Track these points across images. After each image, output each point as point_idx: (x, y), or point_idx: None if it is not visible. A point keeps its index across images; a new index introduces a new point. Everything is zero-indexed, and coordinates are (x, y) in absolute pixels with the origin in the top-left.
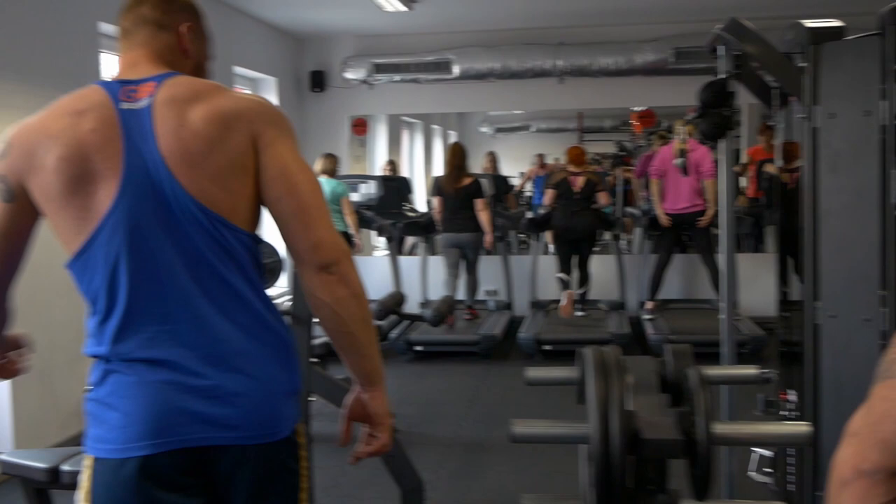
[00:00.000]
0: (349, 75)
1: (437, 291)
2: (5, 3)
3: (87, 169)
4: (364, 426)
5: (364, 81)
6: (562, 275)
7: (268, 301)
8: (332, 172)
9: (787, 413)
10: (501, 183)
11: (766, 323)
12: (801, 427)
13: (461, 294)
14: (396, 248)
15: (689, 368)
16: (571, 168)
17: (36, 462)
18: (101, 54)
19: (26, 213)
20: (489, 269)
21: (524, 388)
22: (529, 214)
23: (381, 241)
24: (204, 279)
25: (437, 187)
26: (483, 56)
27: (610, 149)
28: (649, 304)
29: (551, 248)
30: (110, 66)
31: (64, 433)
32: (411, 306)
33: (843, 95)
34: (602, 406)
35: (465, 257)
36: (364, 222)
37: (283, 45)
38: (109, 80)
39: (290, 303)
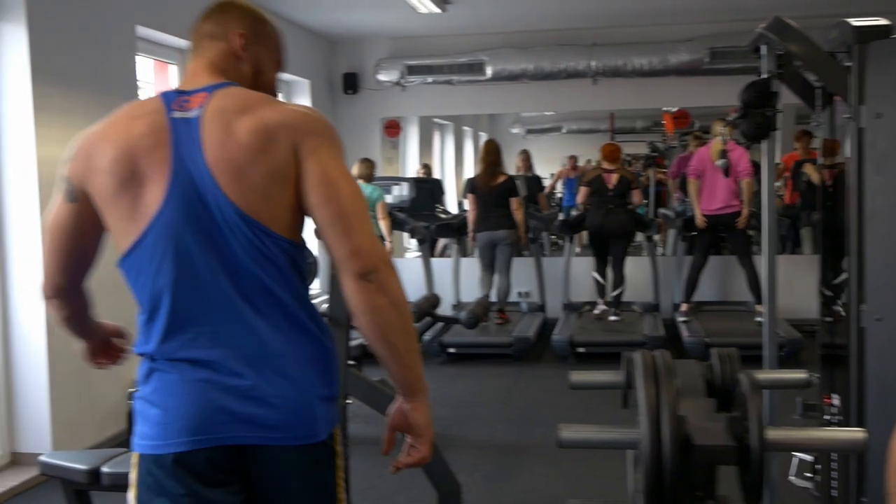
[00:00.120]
0: (382, 77)
1: (469, 293)
2: (45, 9)
3: (135, 172)
4: (406, 436)
5: (397, 83)
6: (597, 276)
7: (309, 307)
8: (368, 177)
9: (829, 417)
10: (534, 183)
11: (802, 325)
12: (857, 433)
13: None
14: (429, 249)
15: (740, 373)
16: (605, 165)
17: (76, 464)
18: (138, 58)
19: (89, 214)
20: (522, 271)
21: (557, 391)
22: (561, 216)
23: (412, 243)
24: (244, 284)
25: (471, 185)
26: (516, 57)
27: (642, 150)
28: (684, 307)
29: (578, 250)
30: (146, 69)
31: (101, 434)
32: (444, 308)
33: (890, 95)
34: (653, 411)
35: (498, 256)
36: (397, 224)
37: (317, 48)
38: (169, 90)
39: (327, 305)
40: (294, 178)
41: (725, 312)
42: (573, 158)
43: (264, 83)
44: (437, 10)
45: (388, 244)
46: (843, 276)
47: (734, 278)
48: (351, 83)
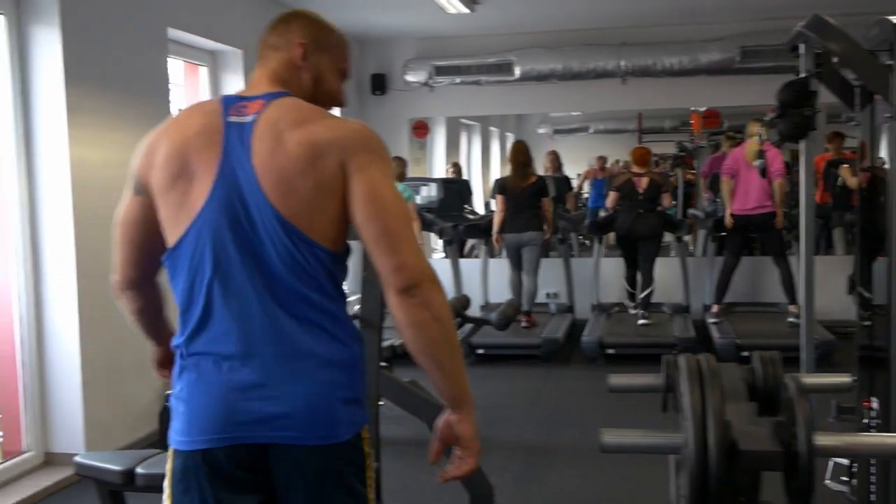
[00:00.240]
0: (410, 78)
1: (497, 294)
2: (78, 11)
3: (185, 168)
4: (454, 448)
5: (425, 84)
6: (627, 285)
7: (339, 312)
8: (401, 176)
9: (868, 421)
10: (563, 184)
11: (835, 327)
12: None
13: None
14: (457, 250)
15: (786, 377)
16: (635, 169)
17: (111, 464)
18: (170, 60)
19: (152, 207)
20: (550, 272)
21: (587, 392)
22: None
23: (439, 244)
24: (276, 286)
25: (500, 186)
26: (545, 57)
27: (670, 149)
28: (715, 308)
29: (605, 251)
30: (176, 71)
31: (133, 435)
32: (472, 309)
33: None
34: (699, 416)
35: (525, 257)
36: (425, 225)
37: None
38: (230, 94)
39: (358, 307)
40: (340, 191)
41: (757, 313)
42: (602, 159)
43: (325, 91)
44: (465, 10)
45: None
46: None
47: (765, 279)
48: (379, 84)
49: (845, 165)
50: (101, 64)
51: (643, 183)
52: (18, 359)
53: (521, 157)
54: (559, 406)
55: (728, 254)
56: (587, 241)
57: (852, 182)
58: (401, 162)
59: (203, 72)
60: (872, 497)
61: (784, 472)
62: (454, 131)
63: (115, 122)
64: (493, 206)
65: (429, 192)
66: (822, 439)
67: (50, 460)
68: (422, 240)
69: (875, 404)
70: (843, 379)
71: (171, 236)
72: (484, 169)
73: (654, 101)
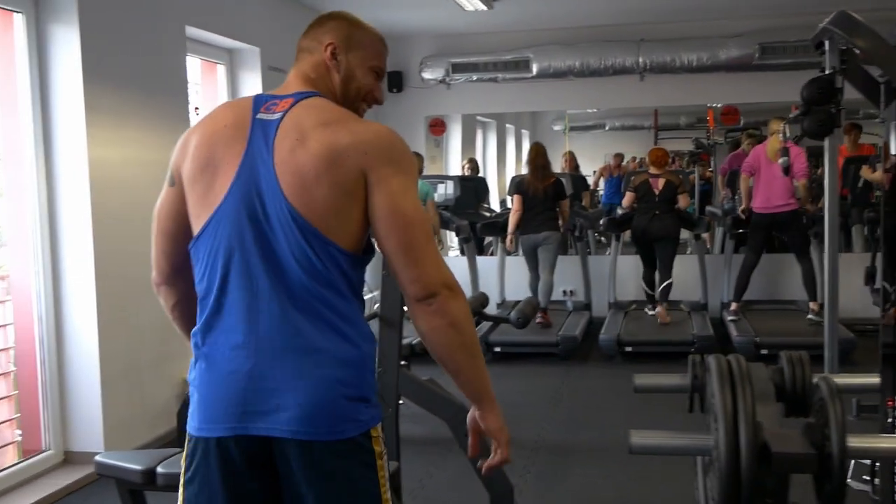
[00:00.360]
0: (427, 75)
1: (514, 292)
2: (97, 10)
3: (211, 160)
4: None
5: (442, 81)
6: (646, 287)
7: (351, 312)
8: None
9: (892, 420)
10: (580, 182)
11: (853, 324)
12: None
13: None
14: (474, 248)
15: (818, 378)
16: (652, 170)
17: (131, 464)
18: (188, 58)
19: (183, 198)
20: (567, 269)
21: (606, 390)
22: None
23: (454, 242)
24: (288, 281)
25: (519, 186)
26: (562, 54)
27: (686, 146)
28: (733, 306)
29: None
30: (193, 69)
31: (152, 433)
32: (489, 307)
33: None
34: (731, 418)
35: (541, 256)
36: (442, 223)
37: None
38: (264, 93)
39: (378, 305)
40: (361, 195)
41: (775, 311)
42: (619, 156)
43: (355, 89)
44: (483, 7)
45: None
46: None
47: (783, 276)
48: (395, 81)
49: (865, 166)
50: (119, 63)
51: (660, 184)
52: (38, 358)
53: (539, 159)
54: (578, 405)
55: (749, 251)
56: (603, 239)
57: (874, 177)
58: (417, 158)
59: (221, 70)
60: None
61: (815, 475)
62: (470, 129)
63: (133, 120)
64: (510, 203)
65: (445, 190)
66: (855, 441)
67: (69, 459)
68: (440, 236)
69: None
70: (874, 379)
71: (195, 226)
72: (500, 166)
73: (673, 97)
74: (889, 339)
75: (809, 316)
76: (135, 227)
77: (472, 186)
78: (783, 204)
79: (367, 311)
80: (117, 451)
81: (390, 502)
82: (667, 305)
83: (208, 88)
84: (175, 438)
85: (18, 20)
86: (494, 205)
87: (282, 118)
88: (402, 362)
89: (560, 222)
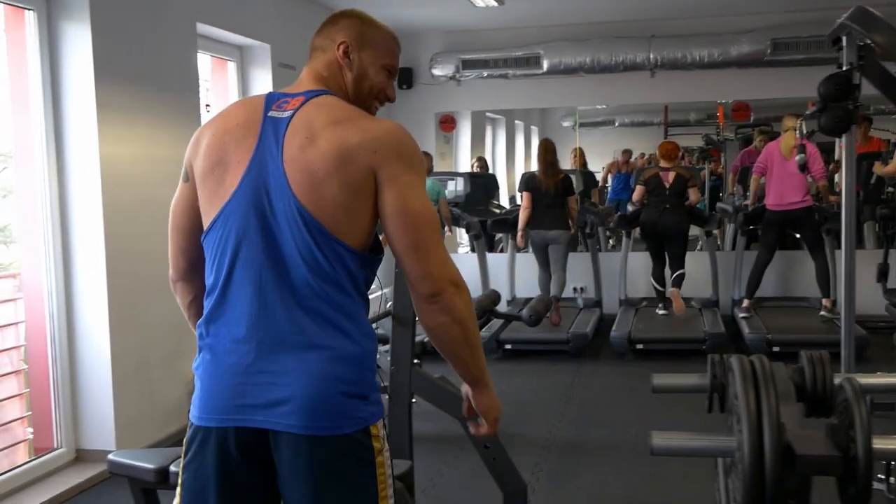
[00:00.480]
0: (437, 72)
1: (524, 289)
2: (108, 7)
3: (222, 158)
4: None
5: (452, 78)
6: (655, 284)
7: (354, 309)
8: (427, 171)
9: None
10: (589, 179)
11: (865, 322)
12: None
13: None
14: (485, 245)
15: (843, 378)
16: (663, 164)
17: (144, 462)
18: (199, 55)
19: (196, 193)
20: (578, 266)
21: (617, 388)
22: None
23: (464, 239)
24: (292, 277)
25: (528, 183)
26: (573, 50)
27: (696, 142)
28: (745, 303)
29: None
30: (204, 66)
31: (164, 431)
32: (499, 304)
33: None
34: (755, 420)
35: (552, 255)
36: (453, 219)
37: None
38: (276, 91)
39: (391, 303)
40: (370, 194)
41: (786, 308)
42: (627, 153)
43: (368, 87)
44: (494, 3)
45: (447, 233)
46: None
47: (795, 273)
48: (406, 78)
49: (878, 162)
50: (130, 60)
51: (670, 177)
52: (49, 356)
53: (548, 155)
54: (590, 402)
55: (762, 248)
56: (612, 240)
57: (888, 170)
58: (427, 157)
59: (231, 67)
60: None
61: (840, 477)
62: (479, 125)
63: (144, 118)
64: (519, 200)
65: (455, 187)
66: (881, 443)
67: (81, 457)
68: (452, 232)
69: None
70: None
71: (205, 221)
72: (508, 163)
73: (684, 94)
74: None
75: (822, 313)
76: (146, 224)
77: (483, 183)
78: (797, 201)
79: (380, 309)
80: (130, 450)
81: (390, 499)
82: (679, 293)
83: (219, 85)
84: None
85: (30, 17)
86: (504, 201)
87: (292, 116)
88: (415, 360)
89: (570, 221)
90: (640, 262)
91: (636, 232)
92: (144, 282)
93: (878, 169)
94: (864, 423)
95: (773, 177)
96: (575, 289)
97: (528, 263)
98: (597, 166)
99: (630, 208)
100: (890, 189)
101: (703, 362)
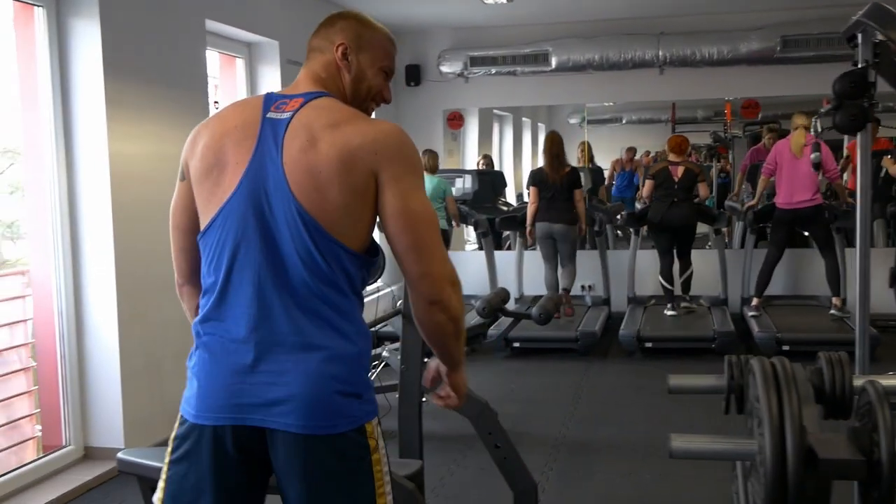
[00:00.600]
0: (445, 69)
1: (531, 286)
2: (117, 4)
3: (220, 159)
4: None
5: (460, 75)
6: (664, 282)
7: (350, 309)
8: (433, 169)
9: None
10: (597, 175)
11: (875, 320)
12: None
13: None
14: (493, 242)
15: (865, 381)
16: (672, 157)
17: (153, 461)
18: (208, 52)
19: (192, 192)
20: (586, 264)
21: (626, 387)
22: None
23: (472, 236)
24: (290, 277)
25: (535, 177)
26: (581, 47)
27: (703, 139)
28: (755, 301)
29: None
30: (212, 63)
31: (171, 429)
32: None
33: None
34: (777, 423)
35: (560, 251)
36: (460, 217)
37: None
38: (274, 92)
39: (401, 302)
40: (371, 195)
41: (796, 307)
42: (631, 150)
43: (366, 89)
44: (502, 0)
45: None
46: None
47: (804, 272)
48: (413, 75)
49: (887, 157)
50: (139, 56)
51: (679, 171)
52: (58, 353)
53: (555, 148)
54: (599, 401)
55: (771, 247)
56: (619, 234)
57: (889, 163)
58: (433, 155)
59: (240, 63)
60: None
61: (863, 482)
62: (486, 122)
63: (153, 114)
64: (527, 196)
65: (463, 184)
66: None
67: (90, 454)
68: (459, 227)
69: None
70: None
71: (203, 221)
72: (516, 160)
73: (692, 91)
74: None
75: (832, 311)
76: (155, 221)
77: (490, 180)
78: (807, 199)
79: (388, 309)
80: (139, 448)
81: (388, 496)
82: (688, 301)
83: (227, 82)
84: None
85: (39, 14)
86: (511, 198)
87: (291, 118)
88: (425, 359)
89: (579, 221)
90: (649, 260)
91: (644, 230)
92: (153, 279)
93: (888, 163)
94: (888, 427)
95: (783, 175)
96: (583, 287)
97: (536, 261)
98: (604, 163)
99: (638, 206)
100: None
101: (712, 361)
